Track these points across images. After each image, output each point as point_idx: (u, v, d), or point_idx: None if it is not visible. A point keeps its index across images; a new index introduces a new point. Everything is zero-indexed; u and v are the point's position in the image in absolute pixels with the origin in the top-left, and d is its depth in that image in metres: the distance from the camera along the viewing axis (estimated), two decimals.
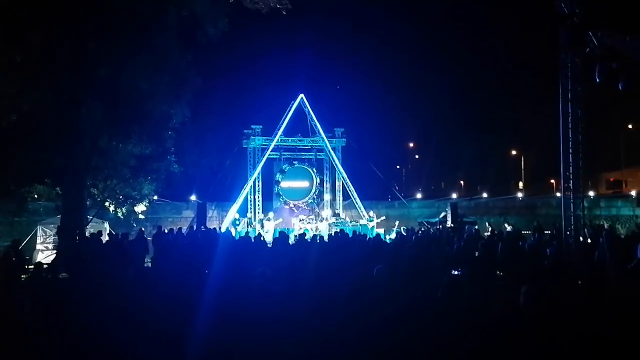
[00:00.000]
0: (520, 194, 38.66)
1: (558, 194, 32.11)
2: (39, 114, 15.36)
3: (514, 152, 53.34)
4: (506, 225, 24.18)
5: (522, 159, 52.25)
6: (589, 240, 12.18)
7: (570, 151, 12.53)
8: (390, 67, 63.45)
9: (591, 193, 31.75)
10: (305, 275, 8.23)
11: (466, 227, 17.63)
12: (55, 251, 18.67)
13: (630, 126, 44.69)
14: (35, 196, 20.72)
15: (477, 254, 10.23)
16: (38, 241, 21.64)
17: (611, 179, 45.36)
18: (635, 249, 8.35)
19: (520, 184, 50.69)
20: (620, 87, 12.53)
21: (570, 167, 12.53)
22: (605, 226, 18.45)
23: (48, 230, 21.21)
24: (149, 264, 15.40)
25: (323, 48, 45.50)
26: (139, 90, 17.13)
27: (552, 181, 45.98)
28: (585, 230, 12.85)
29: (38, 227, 21.87)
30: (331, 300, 5.91)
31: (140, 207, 21.55)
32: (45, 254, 20.45)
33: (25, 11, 14.08)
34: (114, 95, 16.57)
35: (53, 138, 15.79)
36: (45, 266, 12.18)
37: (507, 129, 51.75)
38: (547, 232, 17.86)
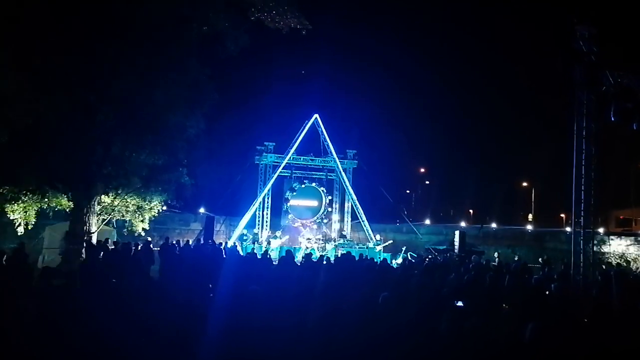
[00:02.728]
0: (529, 226, 38.45)
1: (567, 229, 31.91)
2: (54, 120, 15.53)
3: (524, 184, 53.18)
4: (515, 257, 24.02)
5: (533, 191, 52.04)
6: (598, 278, 12.11)
7: (583, 188, 12.51)
8: (405, 95, 63.81)
9: (601, 230, 31.52)
10: (310, 297, 8.23)
11: (472, 257, 17.52)
12: (60, 255, 18.77)
13: None
14: (46, 200, 20.86)
15: (483, 285, 10.18)
16: (45, 244, 21.77)
17: (621, 217, 45.02)
18: None
19: (530, 216, 50.42)
20: (634, 127, 12.58)
21: (582, 204, 12.49)
22: (614, 263, 18.28)
23: (55, 234, 21.33)
24: (155, 274, 15.45)
25: (339, 71, 45.87)
26: (156, 101, 17.30)
27: (562, 215, 45.71)
28: (595, 267, 12.77)
29: (46, 230, 22.03)
30: (336, 327, 5.91)
31: (141, 225, 21.44)
32: (51, 257, 20.57)
33: (46, 20, 14.31)
34: (130, 106, 16.75)
35: (67, 144, 15.96)
36: (51, 271, 12.25)
37: (518, 161, 51.73)
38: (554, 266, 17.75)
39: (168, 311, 7.51)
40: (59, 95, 15.29)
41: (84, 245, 16.64)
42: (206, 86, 19.12)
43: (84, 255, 16.14)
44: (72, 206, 18.24)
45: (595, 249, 13.22)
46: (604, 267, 13.61)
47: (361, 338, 5.58)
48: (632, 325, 7.46)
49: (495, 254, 24.73)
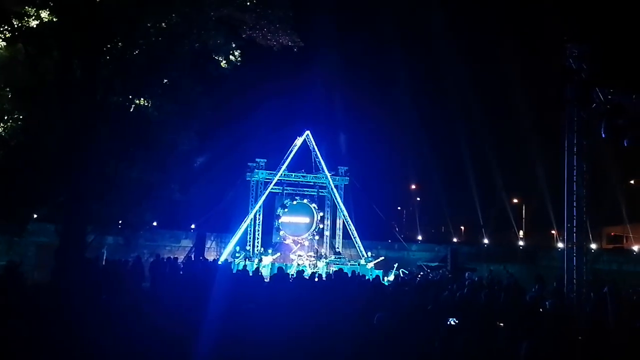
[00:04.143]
0: (521, 242, 38.51)
1: (559, 245, 31.94)
2: (48, 137, 15.46)
3: (515, 201, 53.32)
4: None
5: (524, 207, 52.18)
6: (591, 295, 12.09)
7: (575, 205, 12.52)
8: (396, 112, 64.18)
9: (593, 246, 31.63)
10: (303, 315, 8.14)
11: (466, 274, 17.47)
12: (52, 273, 18.54)
13: (632, 182, 44.82)
14: (35, 216, 20.62)
15: (478, 302, 10.14)
16: (35, 262, 21.54)
17: (612, 234, 45.23)
18: None
19: (521, 233, 50.52)
20: (625, 144, 12.65)
21: (574, 221, 12.50)
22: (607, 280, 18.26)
23: (45, 251, 21.12)
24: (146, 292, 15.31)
25: (331, 87, 46.09)
26: (149, 118, 17.26)
27: (553, 232, 45.84)
28: (588, 284, 12.76)
29: (36, 247, 21.82)
30: (330, 345, 5.83)
31: None
32: (41, 275, 20.33)
33: (42, 37, 14.32)
34: (123, 122, 16.70)
35: (61, 161, 15.85)
36: (41, 288, 12.08)
37: (510, 177, 51.87)
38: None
39: (159, 328, 7.41)
40: (53, 114, 15.22)
41: (75, 263, 16.42)
42: (198, 103, 19.10)
43: (74, 273, 15.92)
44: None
45: (588, 265, 13.20)
46: (597, 284, 13.60)
47: (356, 356, 5.50)
48: (627, 343, 7.44)
49: (490, 270, 24.61)
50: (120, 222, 21.26)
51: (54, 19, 14.69)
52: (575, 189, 12.62)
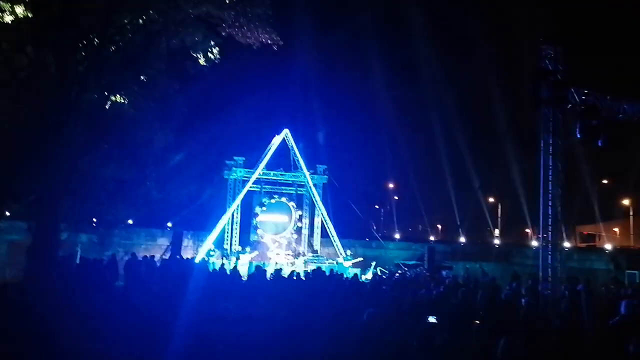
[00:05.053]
0: (496, 241, 38.93)
1: (534, 243, 32.36)
2: (21, 133, 15.17)
3: (491, 200, 53.91)
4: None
5: (499, 206, 52.80)
6: (566, 293, 12.27)
7: (550, 204, 12.70)
8: (375, 111, 64.43)
9: (567, 245, 32.12)
10: (284, 315, 8.11)
11: (444, 273, 17.62)
12: (24, 271, 18.21)
13: (604, 181, 45.65)
14: (7, 213, 20.21)
15: (455, 300, 10.21)
16: (6, 260, 21.13)
17: (585, 232, 46.01)
18: (616, 304, 8.42)
19: (496, 232, 51.11)
20: (600, 144, 12.90)
21: (549, 219, 12.68)
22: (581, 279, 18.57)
23: (17, 249, 20.73)
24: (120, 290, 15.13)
25: (310, 85, 46.03)
26: (124, 115, 17.04)
27: (527, 230, 46.46)
28: (563, 282, 12.96)
29: (7, 245, 21.39)
30: (308, 342, 5.81)
31: None
32: (13, 274, 19.95)
33: (16, 33, 14.11)
34: (98, 119, 16.46)
35: (34, 158, 15.58)
36: (11, 287, 11.83)
37: (485, 177, 52.43)
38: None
39: (133, 328, 7.32)
40: (27, 110, 14.96)
41: (47, 261, 16.15)
42: (175, 100, 18.90)
43: (47, 272, 15.65)
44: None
45: (562, 264, 13.41)
46: (571, 282, 13.84)
47: (334, 353, 5.49)
48: (601, 340, 7.56)
49: (466, 268, 24.87)
50: (94, 219, 20.97)
51: (29, 15, 14.46)
52: (550, 188, 12.80)
